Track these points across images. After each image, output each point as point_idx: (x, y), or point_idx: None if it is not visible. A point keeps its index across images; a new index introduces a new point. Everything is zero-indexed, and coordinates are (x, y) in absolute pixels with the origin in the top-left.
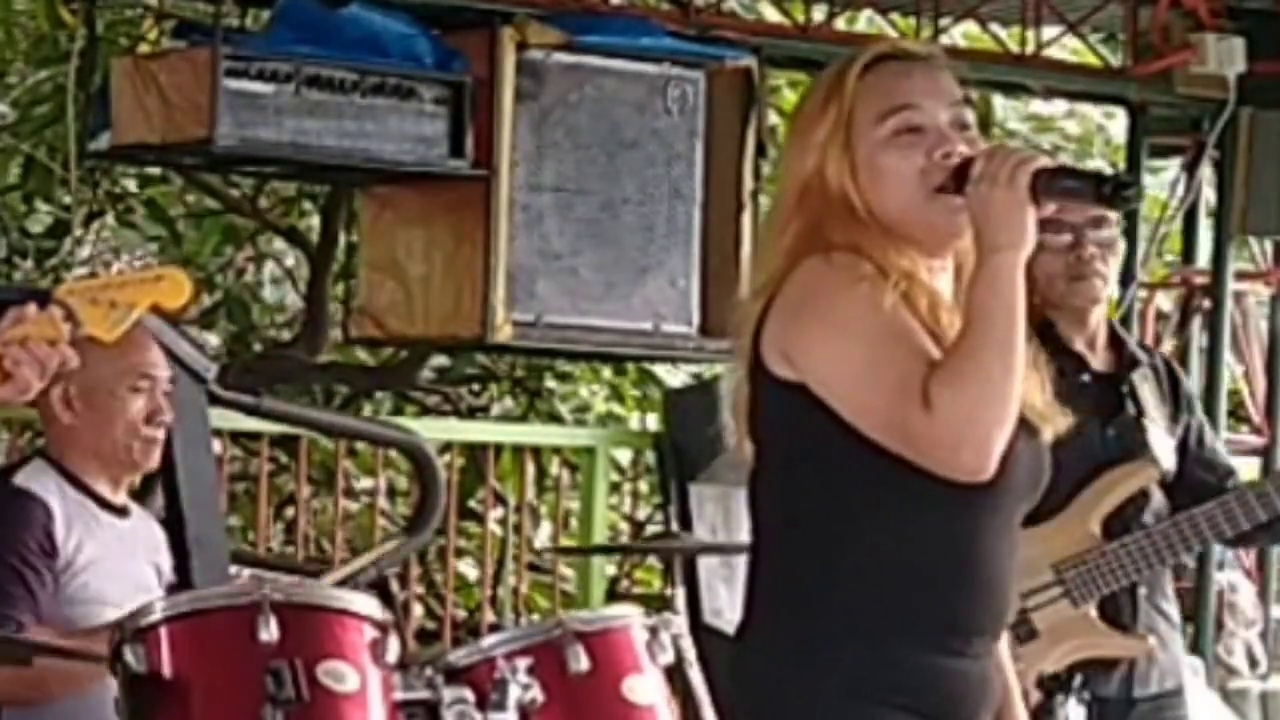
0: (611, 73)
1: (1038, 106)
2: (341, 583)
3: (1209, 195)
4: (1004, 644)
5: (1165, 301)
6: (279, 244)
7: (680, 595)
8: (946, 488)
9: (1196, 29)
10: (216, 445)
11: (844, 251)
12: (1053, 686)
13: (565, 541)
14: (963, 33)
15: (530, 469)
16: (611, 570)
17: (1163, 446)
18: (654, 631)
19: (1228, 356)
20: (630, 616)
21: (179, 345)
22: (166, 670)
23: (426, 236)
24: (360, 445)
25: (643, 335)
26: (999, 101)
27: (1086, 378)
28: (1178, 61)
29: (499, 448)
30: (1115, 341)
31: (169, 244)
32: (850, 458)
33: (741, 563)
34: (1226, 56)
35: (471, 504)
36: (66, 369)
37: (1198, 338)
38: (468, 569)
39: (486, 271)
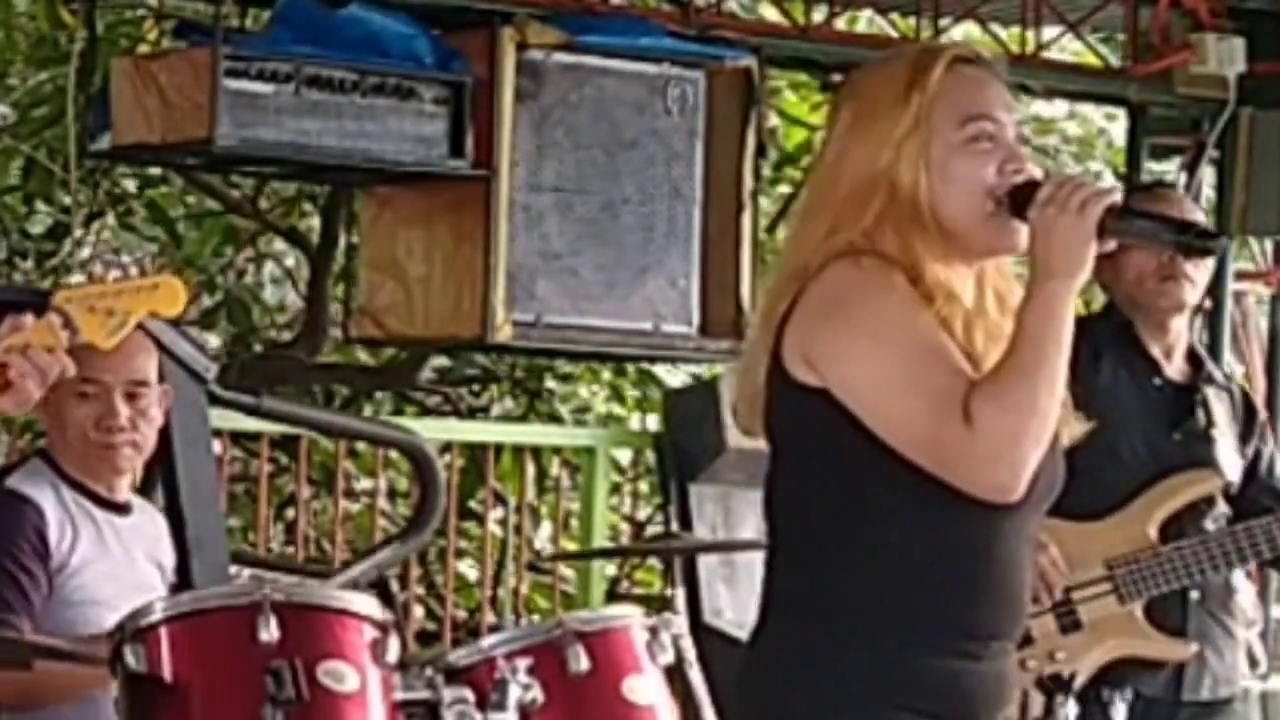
0: (611, 73)
1: (1038, 108)
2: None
3: (1209, 195)
4: None
5: None
6: (279, 244)
7: (680, 595)
8: (965, 498)
9: (1196, 29)
10: (216, 446)
11: (878, 257)
12: (1052, 687)
13: (565, 541)
14: (963, 33)
15: (530, 469)
16: (612, 571)
17: (1229, 459)
18: (654, 631)
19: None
20: (630, 617)
21: (179, 346)
22: (166, 670)
23: (427, 237)
24: (360, 446)
25: (643, 335)
26: None
27: (1158, 382)
28: (1178, 62)
29: (499, 448)
30: (1193, 358)
31: (169, 245)
32: (869, 465)
33: (741, 562)
34: (1226, 56)
35: (472, 504)
36: (64, 377)
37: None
38: (468, 569)
39: (486, 272)
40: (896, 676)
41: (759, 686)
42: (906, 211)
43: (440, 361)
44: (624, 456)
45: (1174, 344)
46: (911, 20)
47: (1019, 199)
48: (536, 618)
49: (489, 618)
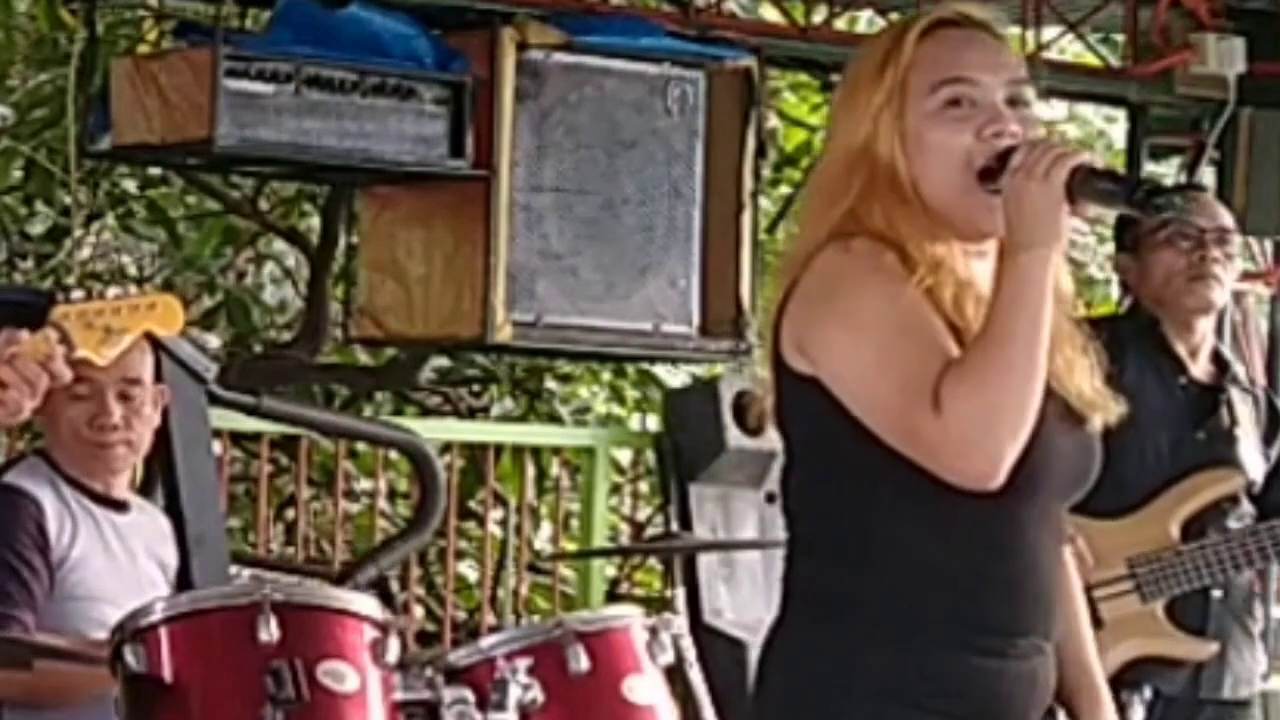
0: (611, 73)
1: (1037, 110)
2: (343, 578)
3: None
4: (1089, 643)
5: None
6: (279, 245)
7: (680, 595)
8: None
9: (1196, 29)
10: (216, 446)
11: (871, 238)
12: None
13: (565, 542)
14: None
15: (530, 470)
16: (612, 571)
17: (1251, 458)
18: (654, 632)
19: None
20: (630, 617)
21: (179, 346)
22: (166, 670)
23: (426, 237)
24: (360, 446)
25: (643, 335)
26: None
27: (1183, 381)
28: (1178, 62)
29: (499, 448)
30: (1218, 360)
31: (169, 245)
32: (867, 455)
33: (742, 562)
34: (1226, 57)
35: (471, 505)
36: (59, 384)
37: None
38: (468, 570)
39: (486, 272)
40: (909, 674)
41: (774, 681)
42: (888, 187)
43: (440, 361)
44: (624, 457)
45: (1199, 344)
46: None
47: (997, 169)
48: (536, 618)
49: (489, 618)
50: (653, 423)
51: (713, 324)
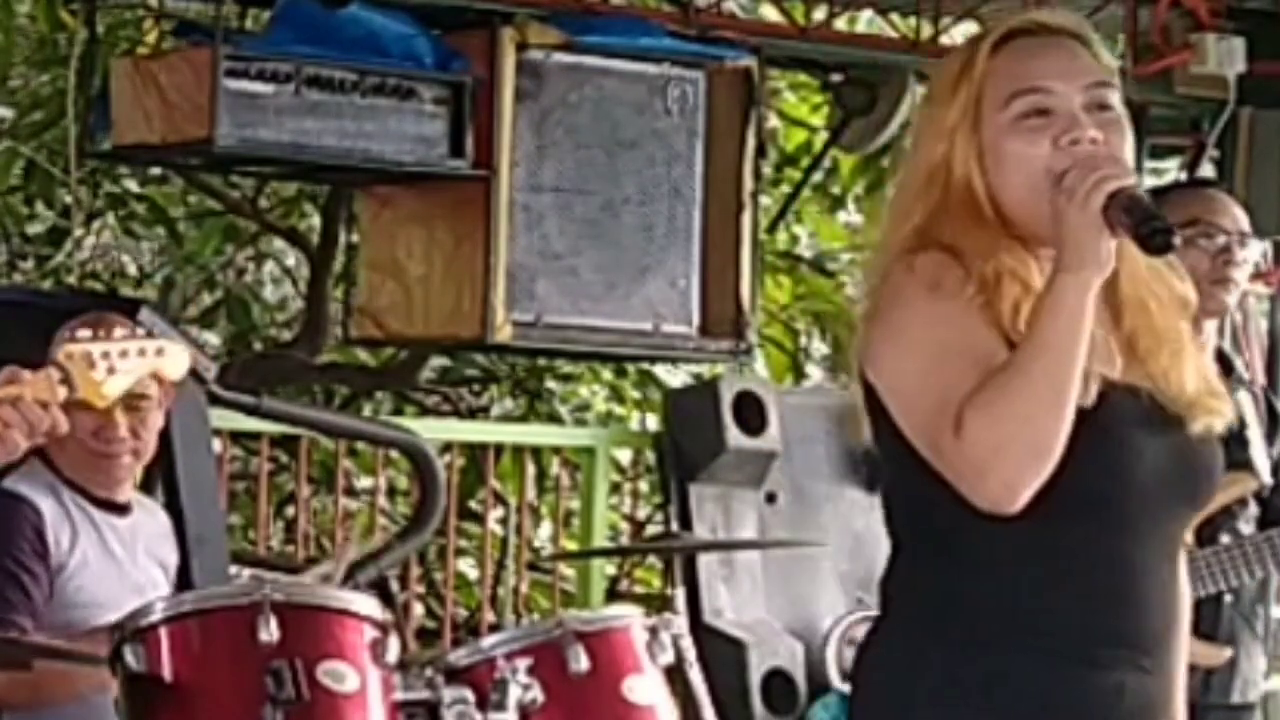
0: (611, 73)
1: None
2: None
3: None
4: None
5: None
6: (279, 243)
7: (680, 595)
8: (1044, 492)
9: (1196, 29)
10: (216, 444)
11: (940, 251)
12: None
13: (566, 541)
14: (963, 33)
15: (530, 469)
16: (611, 569)
17: (1263, 460)
18: (654, 632)
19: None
20: (630, 617)
21: None
22: (166, 670)
23: (426, 237)
24: (361, 444)
25: (643, 335)
26: None
27: None
28: (1177, 62)
29: (499, 448)
30: (1222, 359)
31: (170, 243)
32: (926, 465)
33: (741, 562)
34: (1226, 57)
35: (472, 504)
36: (56, 432)
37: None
38: (468, 569)
39: (486, 272)
40: (978, 676)
41: (860, 677)
42: (962, 203)
43: (440, 361)
44: (624, 456)
45: (1204, 345)
46: (911, 20)
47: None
48: (537, 617)
49: (489, 617)
50: (652, 423)
51: (713, 324)
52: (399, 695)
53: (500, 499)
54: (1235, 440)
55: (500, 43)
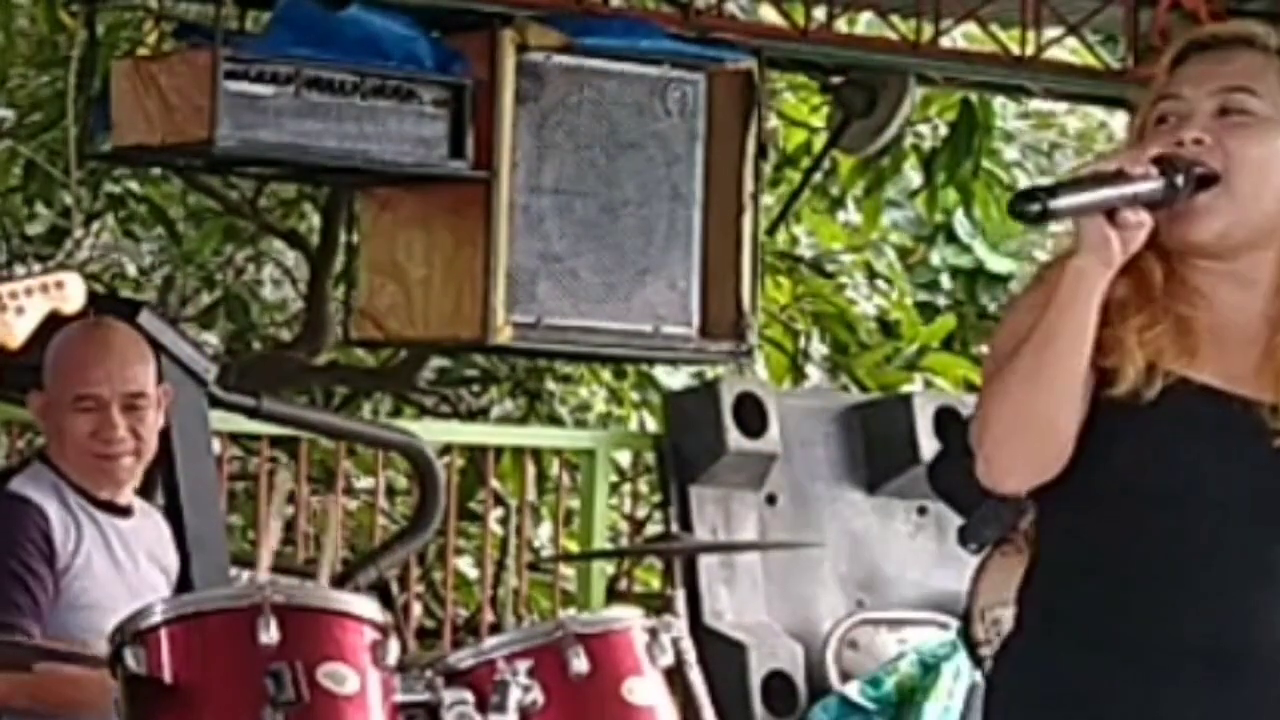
0: (612, 75)
1: (1037, 103)
2: (343, 579)
3: None
4: None
5: None
6: (279, 244)
7: (680, 597)
8: (1100, 485)
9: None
10: (216, 445)
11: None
12: None
13: (565, 541)
14: (963, 34)
15: (530, 470)
16: (611, 569)
17: None
18: (654, 633)
19: None
20: (631, 619)
21: (179, 347)
22: (166, 672)
23: (426, 238)
24: (360, 445)
25: (643, 337)
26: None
27: None
28: None
29: (499, 449)
30: None
31: (169, 243)
32: None
33: (742, 564)
34: None
35: (472, 505)
36: None
37: None
38: (468, 569)
39: (486, 273)
40: (1046, 674)
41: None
42: None
43: (440, 362)
44: (624, 458)
45: None
46: (912, 22)
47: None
48: (537, 618)
49: (489, 618)
50: (652, 424)
51: (713, 326)
52: (399, 697)
53: (500, 499)
54: None
55: (500, 45)
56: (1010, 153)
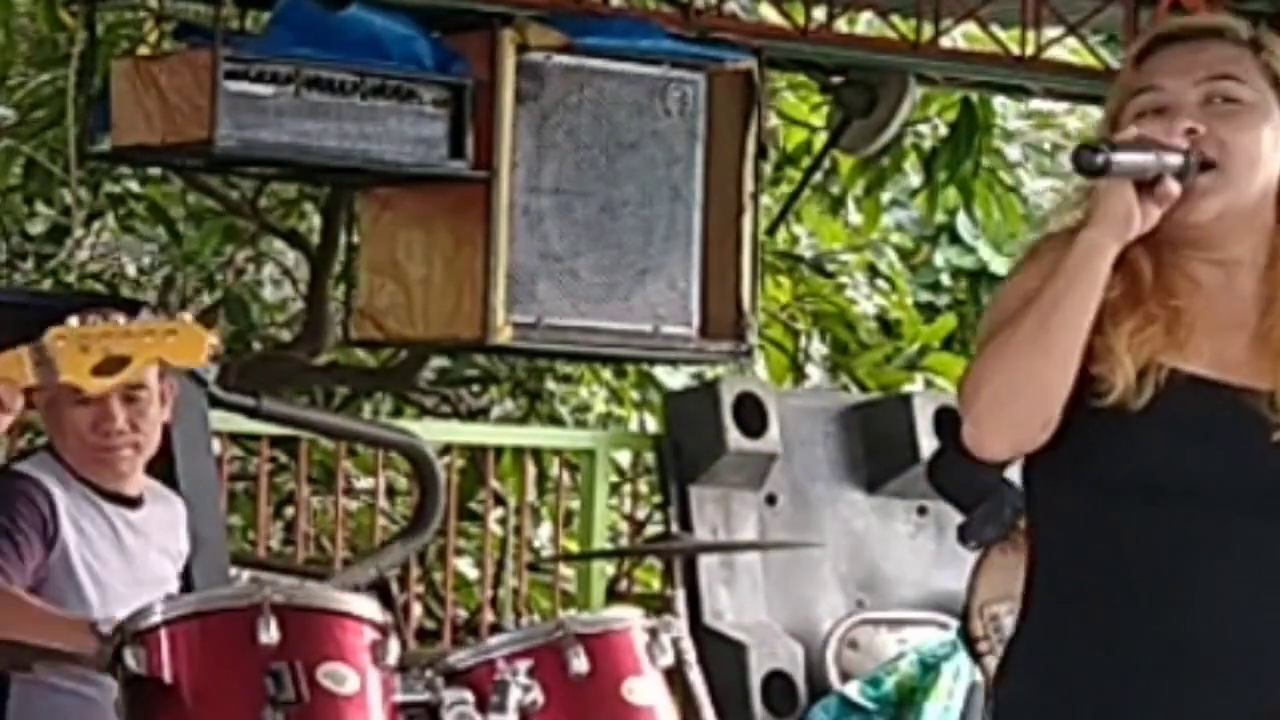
0: (612, 75)
1: (1038, 102)
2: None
3: None
4: None
5: None
6: (279, 244)
7: (680, 597)
8: (1092, 485)
9: None
10: (216, 445)
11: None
12: None
13: (565, 541)
14: (963, 34)
15: (530, 470)
16: (611, 569)
17: None
18: (654, 634)
19: None
20: (630, 619)
21: None
22: (167, 672)
23: (426, 238)
24: (360, 445)
25: (643, 337)
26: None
27: None
28: None
29: (499, 450)
30: None
31: (170, 243)
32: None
33: (742, 564)
34: None
35: (472, 505)
36: (10, 411)
37: None
38: (468, 569)
39: (486, 273)
40: (1042, 677)
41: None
42: None
43: (440, 362)
44: (624, 458)
45: None
46: (912, 22)
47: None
48: (536, 618)
49: (489, 617)
50: (652, 424)
51: (713, 325)
52: (399, 697)
53: (500, 499)
54: None
55: (500, 44)
56: (1012, 152)
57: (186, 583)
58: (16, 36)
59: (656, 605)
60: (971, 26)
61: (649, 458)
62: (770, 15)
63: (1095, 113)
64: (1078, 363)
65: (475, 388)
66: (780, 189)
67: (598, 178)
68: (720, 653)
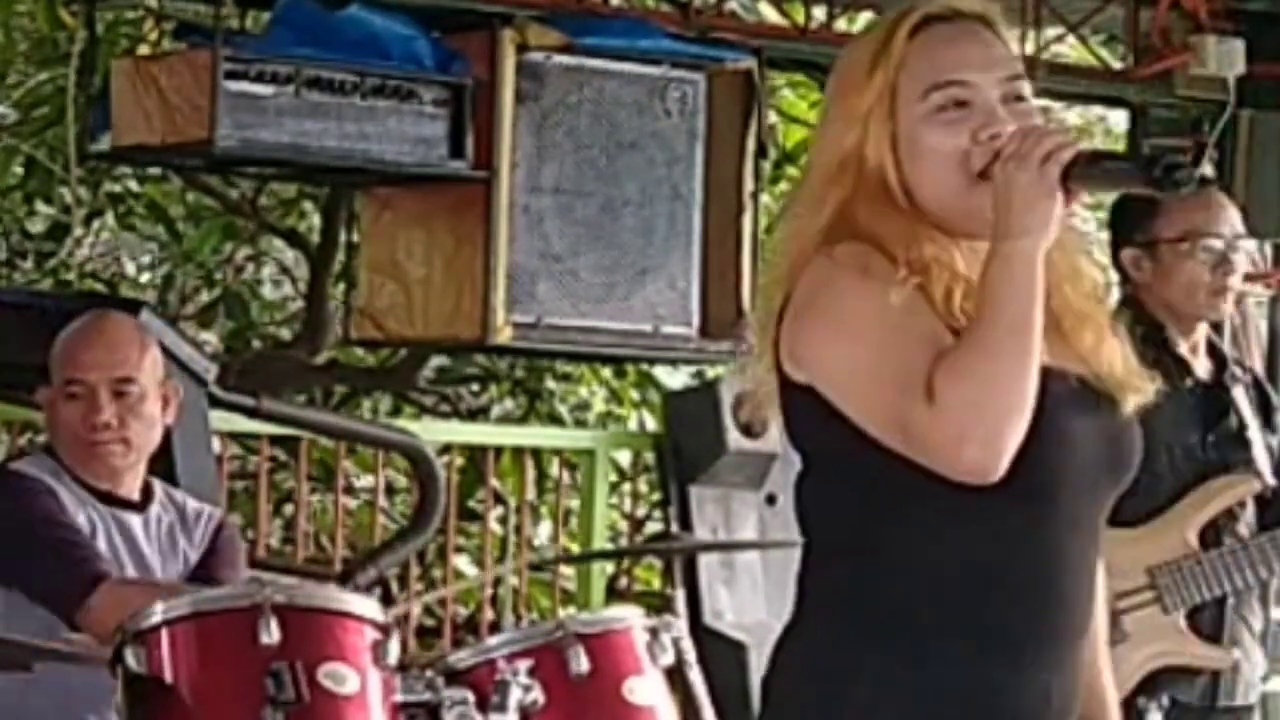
0: (612, 75)
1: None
2: (343, 578)
3: None
4: (1104, 652)
5: None
6: (279, 243)
7: (680, 597)
8: (975, 488)
9: (1196, 31)
10: (216, 444)
11: (860, 242)
12: None
13: (565, 540)
14: None
15: (530, 470)
16: (610, 567)
17: (1264, 460)
18: (654, 633)
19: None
20: (631, 618)
21: (179, 347)
22: (167, 672)
23: (426, 238)
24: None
25: (643, 337)
26: None
27: (1190, 383)
28: (1177, 63)
29: (499, 449)
30: (1212, 350)
31: (169, 241)
32: (868, 459)
33: (742, 564)
34: (1226, 59)
35: (471, 504)
36: None
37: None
38: (468, 568)
39: (486, 273)
40: (912, 680)
41: (781, 683)
42: (876, 191)
43: (440, 361)
44: (624, 458)
45: (1198, 341)
46: None
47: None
48: (536, 616)
49: (489, 616)
50: (651, 424)
51: (713, 325)
52: (399, 697)
53: (500, 499)
54: (1236, 441)
55: (500, 44)
56: None
57: None
58: (16, 35)
59: (656, 603)
60: None
61: (649, 457)
62: (770, 15)
63: (1093, 110)
64: None
65: (475, 387)
66: (780, 188)
67: (598, 178)
68: (720, 653)
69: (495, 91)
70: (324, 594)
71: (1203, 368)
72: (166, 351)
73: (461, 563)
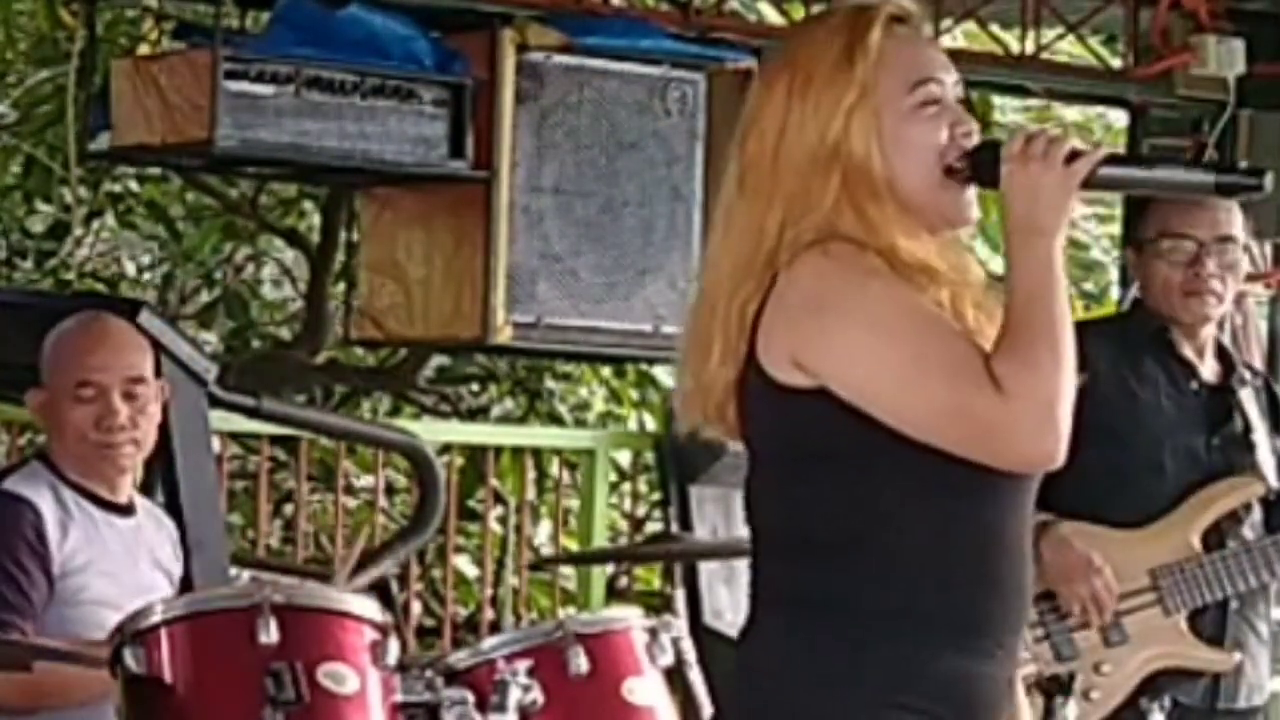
0: (612, 74)
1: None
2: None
3: None
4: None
5: None
6: (279, 242)
7: (680, 597)
8: (979, 479)
9: (1196, 31)
10: (216, 443)
11: (843, 241)
12: (1053, 689)
13: (565, 540)
14: (963, 33)
15: (530, 470)
16: (610, 567)
17: (1269, 462)
18: (654, 633)
19: None
20: (630, 619)
21: (179, 347)
22: (166, 672)
23: (426, 238)
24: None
25: (642, 337)
26: None
27: (1195, 386)
28: (1178, 63)
29: (499, 449)
30: (1222, 354)
31: (169, 241)
32: (873, 460)
33: (741, 564)
34: (1226, 58)
35: (471, 504)
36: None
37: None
38: (468, 568)
39: (486, 273)
40: (898, 676)
41: (752, 684)
42: (863, 188)
43: (440, 360)
44: (624, 458)
45: (1204, 344)
46: None
47: (978, 164)
48: (536, 616)
49: (489, 616)
50: (652, 423)
51: None
52: (399, 697)
53: (500, 499)
54: (1241, 444)
55: (500, 44)
56: None
57: (183, 590)
58: (16, 34)
59: (656, 603)
60: (971, 25)
61: (649, 457)
62: (770, 15)
63: (1094, 110)
64: None
65: (475, 387)
66: None
67: (598, 178)
68: (720, 653)
69: (495, 91)
70: (323, 594)
71: (1209, 370)
72: (166, 351)
73: (461, 563)
